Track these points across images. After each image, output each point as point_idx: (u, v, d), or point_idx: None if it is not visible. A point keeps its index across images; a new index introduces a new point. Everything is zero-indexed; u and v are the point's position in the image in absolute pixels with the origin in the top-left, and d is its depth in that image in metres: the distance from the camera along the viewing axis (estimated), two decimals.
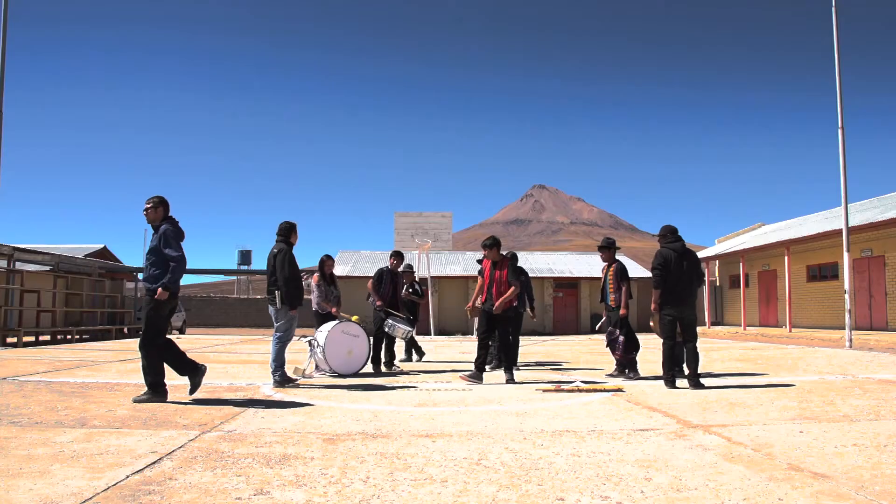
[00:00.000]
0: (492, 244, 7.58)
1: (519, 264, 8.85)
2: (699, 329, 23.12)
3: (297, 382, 7.18)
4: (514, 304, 7.71)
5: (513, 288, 7.38)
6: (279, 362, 6.95)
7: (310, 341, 8.10)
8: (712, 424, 4.60)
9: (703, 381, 6.77)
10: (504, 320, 7.58)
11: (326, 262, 8.97)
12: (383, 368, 8.93)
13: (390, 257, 9.34)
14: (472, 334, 22.45)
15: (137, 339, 6.00)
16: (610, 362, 10.35)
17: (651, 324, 7.21)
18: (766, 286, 24.01)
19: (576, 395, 6.23)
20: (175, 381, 6.04)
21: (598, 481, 3.10)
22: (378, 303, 8.94)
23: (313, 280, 8.96)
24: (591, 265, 28.93)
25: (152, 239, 5.71)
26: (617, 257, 8.50)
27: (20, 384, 6.91)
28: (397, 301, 9.20)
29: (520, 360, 9.42)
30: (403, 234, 19.27)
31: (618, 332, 7.99)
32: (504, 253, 7.92)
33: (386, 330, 8.78)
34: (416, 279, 11.07)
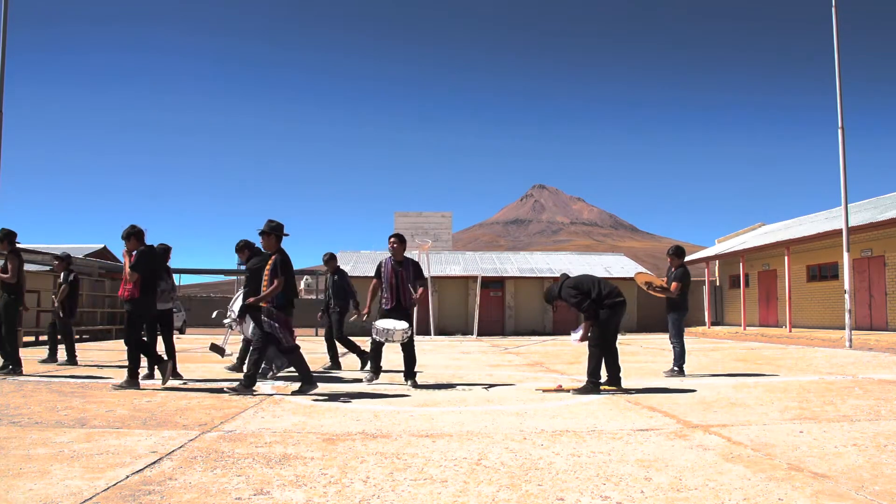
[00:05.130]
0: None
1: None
2: (700, 329, 23.22)
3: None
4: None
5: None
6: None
7: (225, 315, 7.77)
8: (712, 424, 4.60)
9: (702, 381, 6.74)
10: None
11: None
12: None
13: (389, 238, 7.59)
14: (471, 334, 22.46)
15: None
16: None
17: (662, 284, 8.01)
18: (766, 286, 24.01)
19: (576, 395, 6.22)
20: (171, 380, 6.06)
21: (598, 481, 3.10)
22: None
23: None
24: (591, 265, 28.97)
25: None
26: (282, 247, 6.48)
27: (20, 384, 6.91)
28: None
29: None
30: (403, 233, 19.28)
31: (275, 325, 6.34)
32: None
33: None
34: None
